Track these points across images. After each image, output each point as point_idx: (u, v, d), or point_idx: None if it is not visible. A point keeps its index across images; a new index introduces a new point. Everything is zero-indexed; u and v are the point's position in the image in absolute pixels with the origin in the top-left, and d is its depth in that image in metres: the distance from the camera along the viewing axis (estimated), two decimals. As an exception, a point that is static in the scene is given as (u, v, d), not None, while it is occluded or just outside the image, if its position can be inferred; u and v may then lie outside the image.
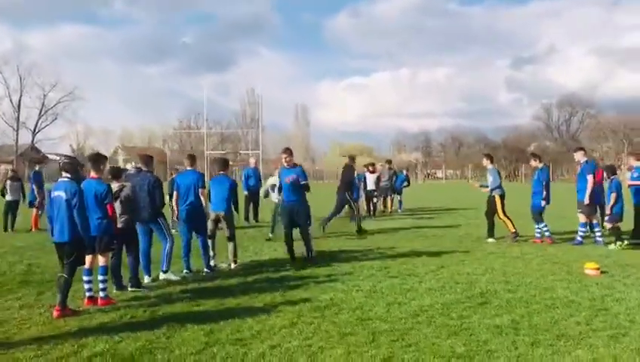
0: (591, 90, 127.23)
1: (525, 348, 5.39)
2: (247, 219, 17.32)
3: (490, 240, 13.02)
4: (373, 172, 20.84)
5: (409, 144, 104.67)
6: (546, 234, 12.81)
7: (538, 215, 12.96)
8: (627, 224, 12.15)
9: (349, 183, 15.14)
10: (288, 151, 10.41)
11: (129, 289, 7.86)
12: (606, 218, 12.58)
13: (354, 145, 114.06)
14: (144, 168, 8.77)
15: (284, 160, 10.28)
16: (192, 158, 9.77)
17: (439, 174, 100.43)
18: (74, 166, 6.97)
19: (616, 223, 12.19)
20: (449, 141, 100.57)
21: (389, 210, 22.10)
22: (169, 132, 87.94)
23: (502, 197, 13.25)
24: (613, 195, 12.17)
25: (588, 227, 12.86)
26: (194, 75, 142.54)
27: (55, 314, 6.56)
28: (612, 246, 11.79)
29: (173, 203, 9.76)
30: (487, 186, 13.62)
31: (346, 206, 15.34)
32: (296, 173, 10.12)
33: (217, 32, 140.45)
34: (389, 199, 22.31)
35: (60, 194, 6.65)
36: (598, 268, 9.02)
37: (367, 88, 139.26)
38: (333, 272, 9.19)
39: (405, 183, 23.67)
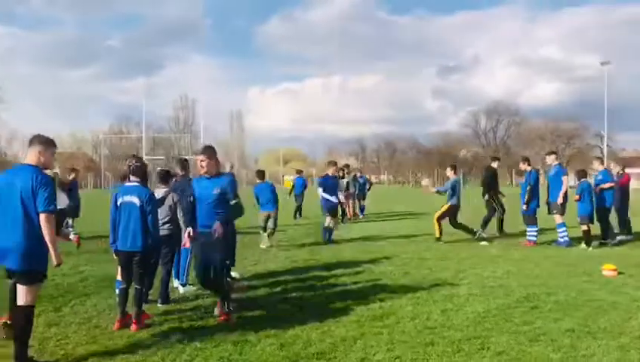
0: (512, 98, 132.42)
1: (621, 353, 5.24)
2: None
3: (483, 243, 13.10)
4: (342, 177, 20.62)
5: (344, 149, 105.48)
6: (531, 237, 13.01)
7: (529, 218, 13.14)
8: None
9: (494, 185, 14.86)
10: (208, 151, 6.60)
11: (159, 304, 7.22)
12: (577, 219, 12.96)
13: (288, 151, 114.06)
14: (181, 172, 8.21)
15: (199, 164, 6.55)
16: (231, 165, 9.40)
17: (373, 179, 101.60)
18: (144, 169, 6.37)
19: (587, 223, 12.66)
20: (382, 147, 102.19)
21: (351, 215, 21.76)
22: (99, 137, 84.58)
23: (454, 207, 13.55)
24: (577, 196, 12.74)
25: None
26: (123, 79, 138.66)
27: (134, 327, 6.06)
28: (583, 246, 12.33)
29: None
30: (438, 191, 14.42)
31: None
32: (221, 187, 6.49)
33: (146, 36, 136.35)
34: (352, 204, 22.05)
35: (132, 199, 6.09)
36: (615, 269, 9.14)
37: (300, 94, 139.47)
38: (357, 279, 8.86)
39: (368, 186, 23.62)
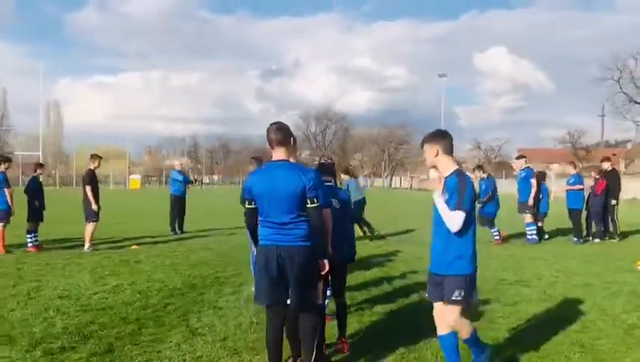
0: (330, 104, 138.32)
1: None
2: (173, 229, 15.23)
3: None
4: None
5: (173, 149, 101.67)
6: (497, 237, 13.71)
7: (490, 221, 13.79)
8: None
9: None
10: None
11: None
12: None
13: (107, 148, 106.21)
14: None
15: None
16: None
17: (206, 180, 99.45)
18: (333, 168, 5.37)
19: (541, 221, 14.17)
20: (217, 147, 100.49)
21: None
22: None
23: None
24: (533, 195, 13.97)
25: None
26: None
27: (346, 347, 5.29)
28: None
29: None
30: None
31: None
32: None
33: None
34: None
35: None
36: (647, 265, 9.91)
37: (116, 88, 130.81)
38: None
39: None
